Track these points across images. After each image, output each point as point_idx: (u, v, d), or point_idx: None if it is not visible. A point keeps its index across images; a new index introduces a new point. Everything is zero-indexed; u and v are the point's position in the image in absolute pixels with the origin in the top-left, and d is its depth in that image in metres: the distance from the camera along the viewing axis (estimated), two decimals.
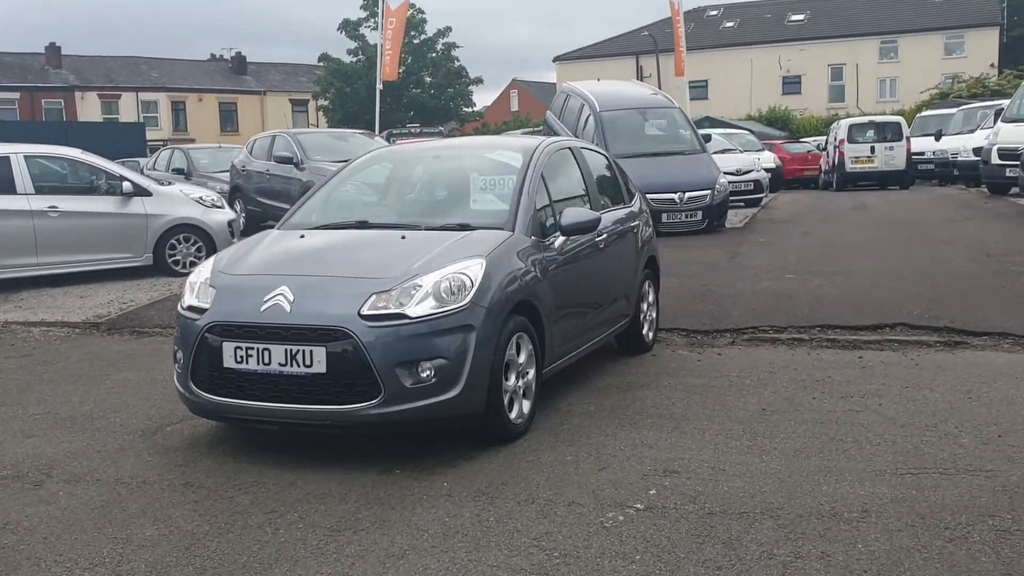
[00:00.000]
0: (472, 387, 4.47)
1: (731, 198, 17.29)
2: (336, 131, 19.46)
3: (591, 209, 6.13)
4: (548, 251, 5.31)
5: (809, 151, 27.98)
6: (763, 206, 18.35)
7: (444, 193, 5.84)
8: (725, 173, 17.07)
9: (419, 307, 4.41)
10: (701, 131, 16.96)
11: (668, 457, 4.57)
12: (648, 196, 12.93)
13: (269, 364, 4.41)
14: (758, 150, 24.08)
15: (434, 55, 47.88)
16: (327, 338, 4.35)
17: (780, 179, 24.20)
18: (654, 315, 7.24)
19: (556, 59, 58.82)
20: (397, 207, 5.82)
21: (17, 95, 52.57)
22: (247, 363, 4.46)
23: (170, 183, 12.91)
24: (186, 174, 17.54)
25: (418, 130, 26.57)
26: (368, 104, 45.83)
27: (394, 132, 26.00)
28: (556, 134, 15.95)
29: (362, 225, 5.41)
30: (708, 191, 13.32)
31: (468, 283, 4.56)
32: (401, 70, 47.43)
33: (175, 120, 57.67)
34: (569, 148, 6.30)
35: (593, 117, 14.20)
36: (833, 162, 24.31)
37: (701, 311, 8.28)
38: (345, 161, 13.53)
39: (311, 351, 4.35)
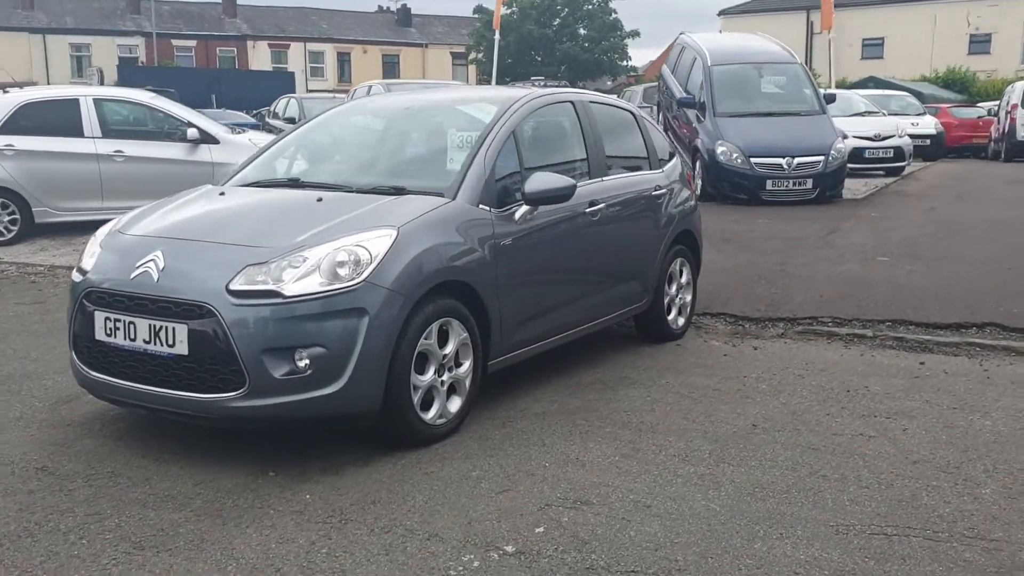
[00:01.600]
0: (361, 382, 3.77)
1: (867, 166, 15.75)
2: (431, 82, 18.81)
3: (589, 176, 5.27)
4: (504, 223, 4.51)
5: (980, 117, 25.23)
6: (903, 176, 16.53)
7: (398, 151, 5.12)
8: (860, 138, 15.54)
9: (298, 284, 3.73)
10: (830, 91, 15.39)
11: (593, 482, 3.75)
12: (753, 160, 11.86)
13: (135, 340, 3.87)
14: (918, 114, 21.94)
15: (590, 7, 46.51)
16: (190, 314, 3.75)
17: (940, 146, 21.94)
18: (688, 298, 6.30)
19: (721, 13, 56.10)
20: (341, 165, 5.14)
21: (194, 43, 54.96)
22: (115, 336, 3.93)
23: (243, 131, 12.70)
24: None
25: (542, 83, 25.59)
26: (520, 57, 45.34)
27: (516, 86, 25.18)
28: (669, 90, 14.82)
29: (293, 184, 4.77)
30: (821, 157, 11.92)
31: (365, 258, 3.84)
32: (555, 23, 46.68)
33: (340, 71, 58.86)
34: (571, 103, 5.40)
35: (703, 71, 12.99)
36: (1004, 129, 21.75)
37: (761, 294, 7.24)
38: None
39: (174, 328, 3.76)
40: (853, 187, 13.76)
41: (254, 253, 3.85)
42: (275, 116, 18.77)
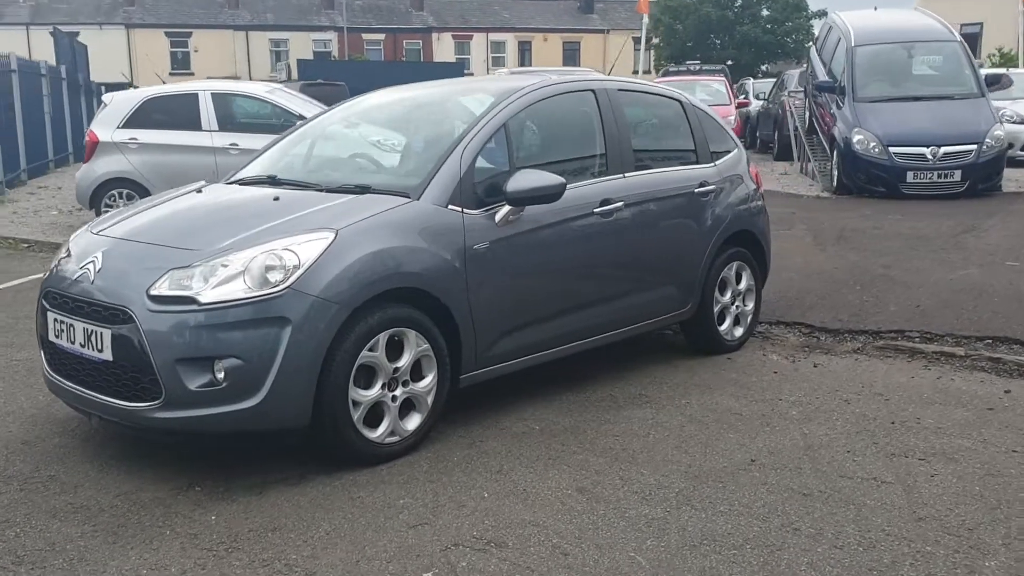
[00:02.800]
0: (281, 396, 3.51)
1: None
2: (562, 70, 18.24)
3: (606, 172, 4.80)
4: (480, 226, 4.13)
5: None
6: None
7: (383, 146, 4.81)
8: None
9: (217, 290, 3.51)
10: (992, 71, 13.78)
11: (524, 519, 3.34)
12: (891, 149, 10.78)
13: (74, 343, 3.79)
14: None
15: None
16: (114, 319, 3.62)
17: None
18: (749, 307, 5.69)
19: None
20: (324, 161, 4.88)
21: (383, 36, 56.79)
22: (61, 338, 3.87)
23: None
24: None
25: (698, 67, 24.43)
26: (698, 41, 43.89)
27: (670, 70, 24.25)
28: (813, 74, 13.77)
29: (269, 181, 4.56)
30: (973, 146, 10.66)
31: (292, 263, 3.58)
32: (736, 4, 44.51)
33: (520, 59, 59.17)
34: (592, 91, 4.91)
35: (846, 53, 11.93)
36: None
37: (850, 302, 6.49)
38: None
39: (101, 333, 3.65)
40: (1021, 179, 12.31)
41: (181, 256, 3.67)
42: None
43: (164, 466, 3.85)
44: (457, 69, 34.73)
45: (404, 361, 3.86)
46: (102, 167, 10.52)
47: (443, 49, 57.10)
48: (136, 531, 3.30)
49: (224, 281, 3.53)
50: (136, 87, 11.59)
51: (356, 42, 55.55)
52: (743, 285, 5.65)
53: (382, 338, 3.76)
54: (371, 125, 5.15)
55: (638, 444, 4.07)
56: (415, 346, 3.88)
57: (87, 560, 3.10)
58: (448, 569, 3.00)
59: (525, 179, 4.19)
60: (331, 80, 28.22)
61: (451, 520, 3.34)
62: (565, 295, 4.55)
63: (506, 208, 4.20)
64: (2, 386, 4.91)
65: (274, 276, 3.53)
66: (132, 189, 10.48)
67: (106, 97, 11.15)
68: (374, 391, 3.77)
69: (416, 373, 3.95)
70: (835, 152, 11.44)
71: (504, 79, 4.86)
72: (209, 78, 44.13)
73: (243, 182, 4.64)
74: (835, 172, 11.18)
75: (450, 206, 4.07)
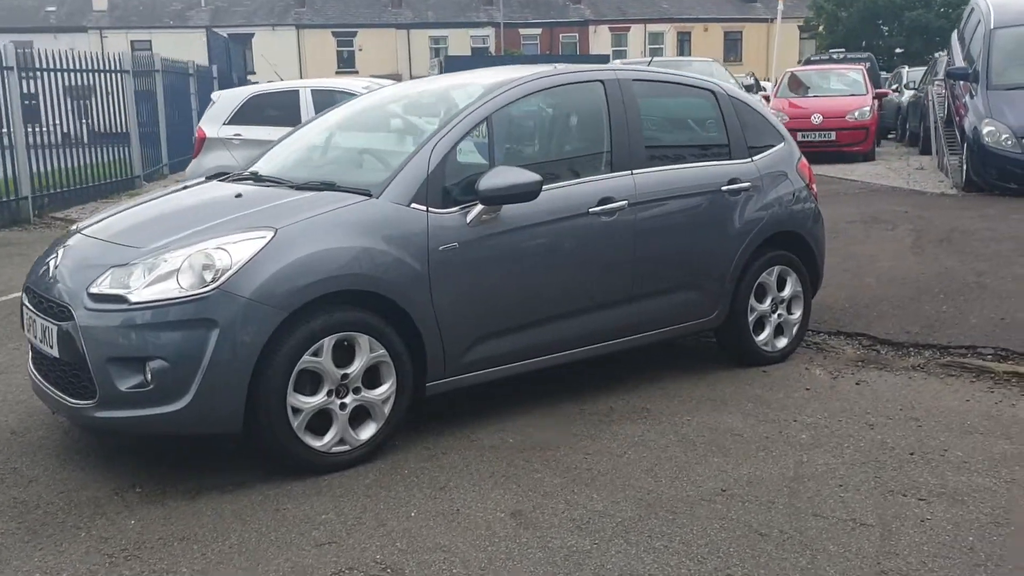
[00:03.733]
0: (209, 400, 3.41)
1: None
2: (676, 60, 17.26)
3: (610, 168, 4.47)
4: (448, 226, 3.90)
5: None
6: None
7: (367, 142, 4.61)
8: None
9: (149, 290, 3.44)
10: None
11: (435, 544, 3.10)
12: None
13: (36, 338, 3.83)
14: None
15: None
16: (60, 316, 3.61)
17: None
18: (797, 315, 5.20)
19: None
20: (309, 156, 4.72)
21: (539, 31, 56.94)
22: (30, 333, 3.92)
23: None
24: None
25: (842, 55, 22.96)
26: (861, 30, 41.54)
27: (811, 59, 22.93)
28: (952, 59, 12.67)
29: (252, 178, 4.47)
30: None
31: (224, 263, 3.46)
32: None
33: (679, 51, 57.97)
34: (600, 82, 4.56)
35: (983, 36, 10.88)
36: None
37: (926, 313, 5.87)
38: None
39: (51, 329, 3.66)
40: None
41: (123, 254, 3.63)
42: None
43: (120, 464, 3.83)
44: (602, 61, 34.21)
45: (355, 367, 3.68)
46: (209, 162, 10.84)
47: (600, 42, 56.66)
48: (55, 531, 3.27)
49: (157, 280, 3.45)
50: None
51: (513, 37, 55.91)
52: (787, 292, 5.16)
53: (327, 343, 3.60)
54: (370, 118, 5.00)
55: (607, 464, 3.74)
56: (368, 352, 3.70)
57: None
58: None
59: (498, 177, 3.92)
60: None
61: (362, 540, 3.14)
62: (554, 300, 4.25)
63: (479, 207, 3.96)
64: (17, 376, 5.05)
65: (206, 276, 3.43)
66: None
67: (215, 95, 11.53)
68: (318, 398, 3.61)
69: (374, 380, 3.77)
70: (964, 145, 10.45)
71: (512, 70, 4.60)
72: (372, 76, 45.68)
73: (231, 179, 4.59)
74: (965, 167, 10.22)
75: (413, 205, 3.86)
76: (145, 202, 4.43)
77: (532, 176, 3.95)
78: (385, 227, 3.77)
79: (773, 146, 5.22)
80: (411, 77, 48.14)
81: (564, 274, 4.27)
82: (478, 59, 37.38)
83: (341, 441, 3.70)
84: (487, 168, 4.01)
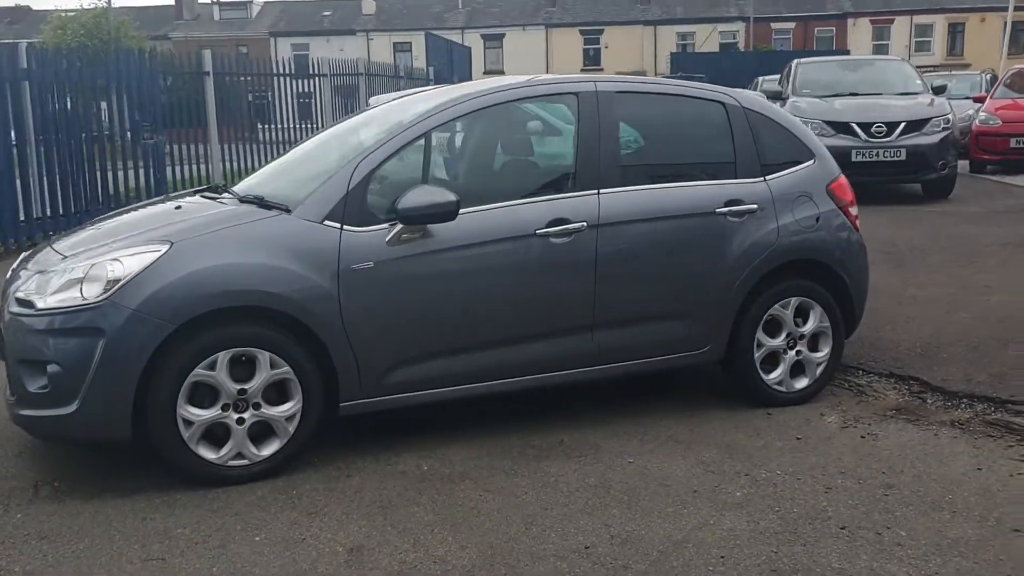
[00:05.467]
0: (94, 406, 3.53)
1: None
2: (869, 59, 15.25)
3: (572, 187, 4.20)
4: (365, 244, 3.82)
5: None
6: None
7: (335, 158, 4.51)
8: None
9: (53, 297, 3.62)
10: None
11: (246, 573, 3.06)
12: None
13: None
14: None
15: None
16: (1, 318, 3.90)
17: None
18: (821, 353, 4.65)
19: None
20: (288, 171, 4.64)
21: (792, 25, 54.55)
22: None
23: None
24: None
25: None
26: None
27: None
28: None
29: (213, 190, 4.58)
30: None
31: (116, 275, 3.58)
32: None
33: (951, 44, 53.54)
34: (574, 94, 4.27)
35: None
36: None
37: (1006, 359, 5.15)
38: (832, 96, 11.37)
39: None
40: None
41: (52, 262, 3.85)
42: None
43: (68, 459, 4.04)
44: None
45: (254, 383, 3.70)
46: None
47: (859, 36, 53.36)
48: None
49: (62, 288, 3.64)
50: None
51: (764, 32, 53.89)
52: (809, 327, 4.62)
53: (222, 357, 3.64)
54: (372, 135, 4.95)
55: (494, 504, 3.53)
56: (268, 368, 3.71)
57: None
58: None
59: (416, 196, 3.80)
60: (690, 73, 27.81)
61: (190, 560, 3.15)
62: (493, 324, 4.05)
63: (399, 226, 3.85)
64: None
65: (101, 287, 3.57)
66: None
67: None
68: (211, 411, 3.66)
69: (283, 396, 3.78)
70: None
71: (486, 82, 4.41)
72: (618, 74, 45.69)
73: (208, 193, 4.70)
74: None
75: (326, 222, 3.82)
76: (121, 214, 4.67)
77: (448, 196, 3.79)
78: (292, 243, 3.76)
79: (798, 164, 4.68)
80: (656, 74, 47.71)
81: (503, 298, 4.06)
82: (706, 58, 36.35)
83: (239, 455, 3.73)
84: (406, 187, 3.89)
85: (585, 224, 4.13)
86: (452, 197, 3.80)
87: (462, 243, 3.95)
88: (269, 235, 3.77)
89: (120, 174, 11.05)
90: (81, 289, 3.60)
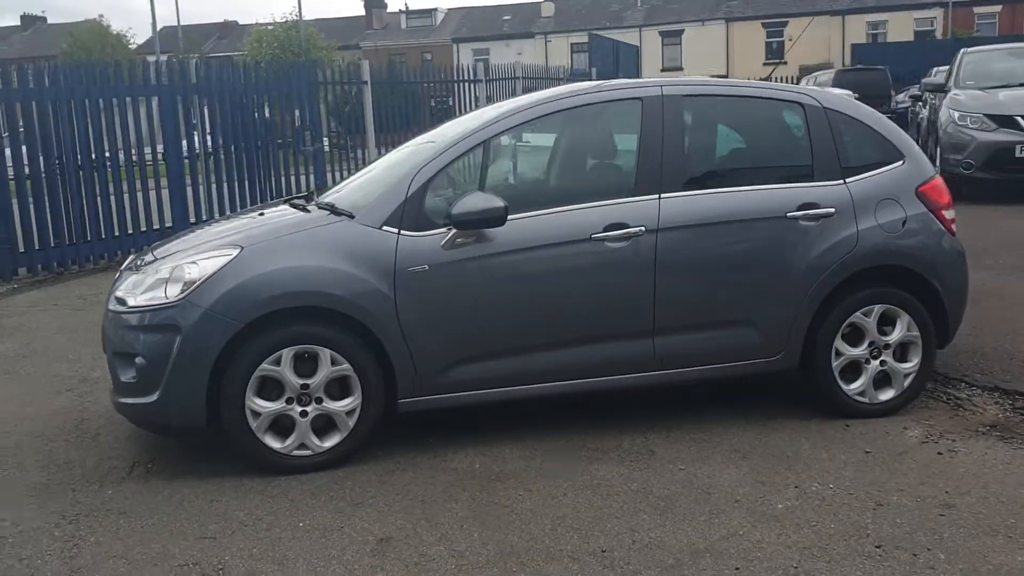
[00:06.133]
0: (174, 397, 3.87)
1: None
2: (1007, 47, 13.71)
3: (632, 192, 4.21)
4: (420, 249, 3.98)
5: None
6: None
7: (413, 164, 4.61)
8: None
9: (143, 296, 3.99)
10: None
11: (280, 556, 3.29)
12: None
13: None
14: None
15: None
16: None
17: None
18: (911, 364, 4.46)
19: None
20: (373, 179, 4.77)
21: (998, 7, 50.92)
22: None
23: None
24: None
25: None
26: None
27: None
28: None
29: (300, 198, 4.85)
30: None
31: (193, 276, 3.91)
32: None
33: None
34: (639, 100, 4.27)
35: None
36: None
37: None
38: (998, 87, 10.61)
39: None
40: None
41: (147, 264, 4.24)
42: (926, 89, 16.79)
43: (166, 443, 4.42)
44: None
45: (316, 379, 3.95)
46: None
47: None
48: (59, 488, 3.96)
49: (150, 288, 4.01)
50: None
51: (965, 17, 50.56)
52: (895, 336, 4.42)
53: (286, 353, 3.90)
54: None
55: (530, 504, 3.62)
56: (329, 365, 3.94)
57: None
58: None
59: (468, 202, 3.94)
60: (871, 66, 26.54)
61: (235, 541, 3.41)
62: (548, 327, 4.12)
63: (452, 231, 4.00)
64: None
65: (180, 287, 3.92)
66: None
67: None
68: (277, 404, 3.94)
69: (345, 392, 4.01)
70: None
71: (558, 89, 4.46)
72: (802, 67, 44.09)
73: (290, 200, 4.97)
74: None
75: (384, 227, 4.01)
76: (222, 220, 5.05)
77: (497, 202, 3.91)
78: (352, 248, 3.98)
79: (886, 166, 4.48)
80: (843, 66, 45.72)
81: (558, 301, 4.12)
82: (895, 48, 34.44)
83: (302, 446, 3.99)
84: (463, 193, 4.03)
85: (643, 228, 4.14)
86: (500, 203, 3.91)
87: (517, 247, 4.06)
88: (331, 240, 4.01)
89: (292, 178, 11.83)
90: (165, 289, 3.95)
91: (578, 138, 4.52)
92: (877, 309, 4.39)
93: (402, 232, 4.01)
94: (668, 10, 57.43)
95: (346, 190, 4.72)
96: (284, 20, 40.87)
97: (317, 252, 3.98)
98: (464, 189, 4.26)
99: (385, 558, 3.24)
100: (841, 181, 4.39)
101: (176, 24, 47.46)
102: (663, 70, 52.77)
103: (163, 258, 4.20)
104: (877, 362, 4.43)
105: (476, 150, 4.19)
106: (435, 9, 60.75)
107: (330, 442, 4.02)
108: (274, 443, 3.97)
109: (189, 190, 10.60)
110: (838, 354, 4.39)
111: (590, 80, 20.84)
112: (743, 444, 4.17)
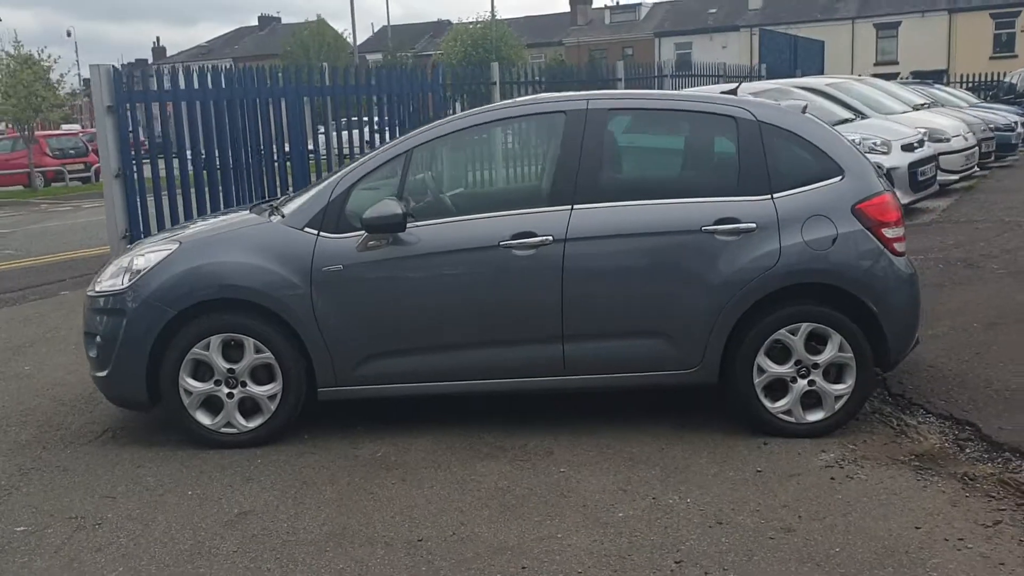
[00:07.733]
0: (121, 374, 4.40)
1: None
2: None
3: (546, 203, 4.35)
4: (334, 249, 4.31)
5: None
6: None
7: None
8: None
9: (107, 282, 4.55)
10: None
11: (133, 516, 3.72)
12: None
13: None
14: None
15: None
16: None
17: None
18: (843, 386, 4.31)
19: None
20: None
21: None
22: None
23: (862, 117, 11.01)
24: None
25: None
26: None
27: None
28: None
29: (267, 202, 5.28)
30: None
31: (140, 267, 4.42)
32: None
33: None
34: (563, 113, 4.35)
35: None
36: None
37: None
38: None
39: None
40: None
41: (120, 254, 4.81)
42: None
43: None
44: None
45: (242, 364, 4.37)
46: None
47: None
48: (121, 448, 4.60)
49: (112, 276, 4.57)
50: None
51: None
52: (825, 356, 4.30)
53: (214, 340, 4.35)
54: None
55: (386, 493, 3.86)
56: (252, 353, 4.35)
57: None
58: None
59: (376, 208, 4.23)
60: None
61: (121, 504, 3.89)
62: (457, 328, 4.33)
63: (364, 234, 4.30)
64: None
65: (129, 276, 4.45)
66: None
67: None
68: (207, 385, 4.39)
69: (269, 379, 4.41)
70: None
71: (496, 105, 4.61)
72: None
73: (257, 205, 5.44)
74: None
75: (306, 229, 4.36)
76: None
77: (395, 209, 4.18)
78: (274, 247, 4.36)
79: (822, 181, 4.35)
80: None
81: (467, 304, 4.32)
82: None
83: (228, 424, 4.42)
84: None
85: (551, 237, 4.26)
86: (399, 210, 4.17)
87: (427, 251, 4.30)
88: (256, 239, 4.41)
89: None
90: (121, 277, 4.50)
91: (501, 150, 4.68)
92: (804, 327, 4.29)
93: (321, 234, 4.35)
94: (884, 1, 54.38)
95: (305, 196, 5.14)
96: (479, 20, 42.15)
97: (243, 250, 4.39)
98: (434, 198, 4.54)
99: (233, 528, 3.59)
100: (768, 196, 4.31)
101: (388, 24, 50.01)
102: (876, 64, 50.13)
103: (131, 249, 4.75)
104: (805, 382, 4.32)
105: (396, 161, 4.45)
106: (640, 3, 60.49)
107: (254, 423, 4.42)
108: (204, 419, 4.42)
109: None
110: (761, 371, 4.32)
111: (758, 79, 20.31)
112: (642, 453, 4.21)
